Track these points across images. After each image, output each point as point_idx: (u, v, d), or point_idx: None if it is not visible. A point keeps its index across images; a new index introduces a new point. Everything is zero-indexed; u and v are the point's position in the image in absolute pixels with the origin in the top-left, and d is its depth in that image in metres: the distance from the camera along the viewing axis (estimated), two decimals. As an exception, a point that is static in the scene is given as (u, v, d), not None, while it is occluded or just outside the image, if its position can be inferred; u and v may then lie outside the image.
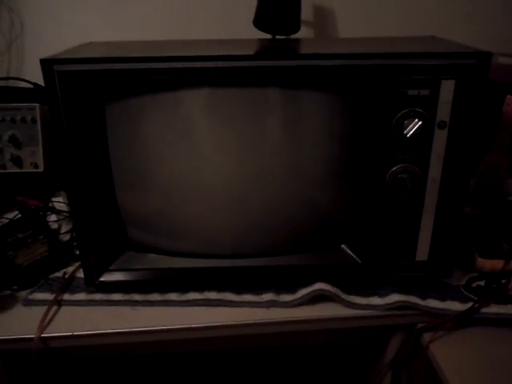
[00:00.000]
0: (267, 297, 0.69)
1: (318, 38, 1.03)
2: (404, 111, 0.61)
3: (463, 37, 0.72)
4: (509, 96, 0.81)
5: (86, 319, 0.67)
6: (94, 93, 0.61)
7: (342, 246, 0.71)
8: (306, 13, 1.00)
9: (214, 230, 0.70)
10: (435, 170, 0.64)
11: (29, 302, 0.70)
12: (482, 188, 0.87)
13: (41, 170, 0.85)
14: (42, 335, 0.65)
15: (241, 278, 0.71)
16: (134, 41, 0.78)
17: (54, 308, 0.69)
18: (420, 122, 0.60)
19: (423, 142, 0.62)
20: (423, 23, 1.01)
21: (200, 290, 0.71)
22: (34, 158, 0.85)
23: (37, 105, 0.83)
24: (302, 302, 0.69)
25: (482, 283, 0.72)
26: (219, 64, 0.60)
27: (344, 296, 0.69)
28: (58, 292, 0.70)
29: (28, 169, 0.86)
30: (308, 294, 0.69)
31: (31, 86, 0.93)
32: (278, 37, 0.94)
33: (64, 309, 0.69)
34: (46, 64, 0.58)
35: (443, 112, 0.61)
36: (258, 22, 0.90)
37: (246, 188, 0.67)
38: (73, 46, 0.70)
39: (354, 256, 0.70)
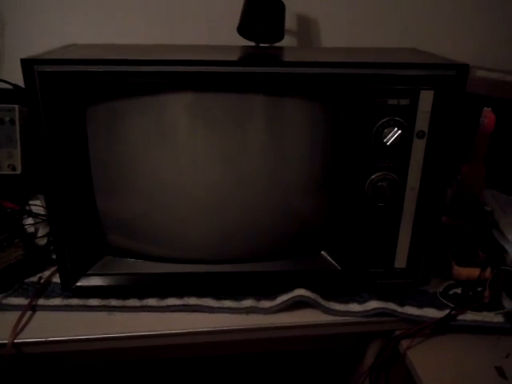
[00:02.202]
0: (247, 303, 0.69)
1: (301, 47, 1.04)
2: (384, 120, 0.62)
3: (443, 50, 0.74)
4: (486, 108, 0.83)
5: (61, 325, 0.66)
6: (75, 95, 0.60)
7: (322, 252, 0.71)
8: (290, 22, 1.01)
9: (194, 235, 0.70)
10: (414, 179, 0.65)
11: (2, 307, 0.68)
12: (459, 198, 0.88)
13: (18, 172, 0.84)
14: (15, 341, 0.63)
15: (221, 283, 0.71)
16: (119, 44, 0.78)
17: (29, 313, 0.67)
18: (399, 131, 0.62)
19: (402, 151, 0.63)
20: (405, 35, 1.04)
21: (179, 295, 0.70)
22: (12, 160, 0.84)
23: (16, 106, 0.82)
24: (282, 309, 0.69)
25: (459, 291, 0.73)
26: (202, 69, 0.60)
27: (323, 302, 0.69)
28: (32, 297, 0.69)
29: (5, 171, 0.84)
30: (288, 300, 0.69)
31: (10, 86, 0.91)
32: (261, 45, 0.94)
33: (39, 314, 0.68)
34: (27, 64, 0.57)
35: (422, 121, 0.62)
36: (243, 30, 0.91)
37: (227, 194, 0.67)
38: (55, 47, 0.70)
39: (334, 263, 0.71)
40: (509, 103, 0.94)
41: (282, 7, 0.91)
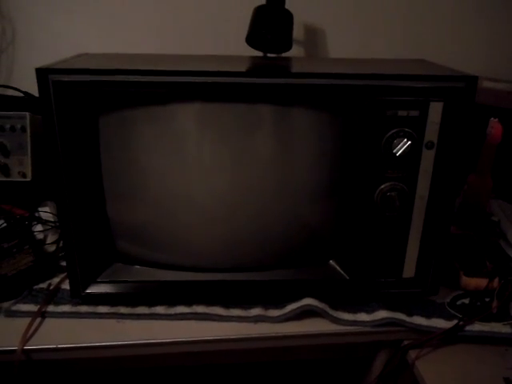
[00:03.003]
0: (255, 311, 0.69)
1: (309, 57, 1.05)
2: (394, 131, 0.62)
3: (449, 60, 0.75)
4: (492, 119, 0.84)
5: (70, 332, 0.66)
6: (88, 104, 0.61)
7: (331, 261, 0.71)
8: (298, 32, 1.02)
9: (203, 244, 0.70)
10: (423, 189, 0.65)
11: (12, 314, 0.68)
12: (466, 208, 0.88)
13: (28, 179, 0.84)
14: (25, 347, 0.63)
15: (229, 292, 0.71)
16: (129, 53, 0.79)
17: (38, 320, 0.67)
18: (409, 142, 0.62)
19: (412, 161, 0.64)
20: (411, 46, 1.04)
21: (188, 303, 0.70)
22: (22, 167, 0.84)
23: (27, 113, 0.82)
24: (290, 318, 0.69)
25: (467, 301, 0.73)
26: (211, 79, 0.60)
27: (331, 312, 0.69)
28: (42, 303, 0.69)
29: (15, 177, 0.84)
30: (296, 309, 0.69)
31: (20, 94, 0.92)
32: (269, 55, 0.95)
33: (48, 321, 0.68)
34: (42, 73, 0.58)
35: (431, 132, 0.62)
36: (251, 40, 0.91)
37: (235, 202, 0.68)
38: (67, 57, 0.71)
39: (342, 272, 0.71)
40: (515, 114, 0.94)
41: (290, 17, 0.92)
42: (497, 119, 0.83)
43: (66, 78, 0.59)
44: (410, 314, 0.70)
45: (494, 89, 0.96)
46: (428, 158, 0.64)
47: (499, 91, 0.96)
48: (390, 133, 0.62)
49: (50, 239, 0.83)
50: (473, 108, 0.62)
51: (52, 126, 0.60)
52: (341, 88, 0.61)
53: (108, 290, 0.69)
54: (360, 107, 0.62)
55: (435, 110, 0.61)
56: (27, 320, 0.66)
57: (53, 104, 0.59)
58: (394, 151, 0.62)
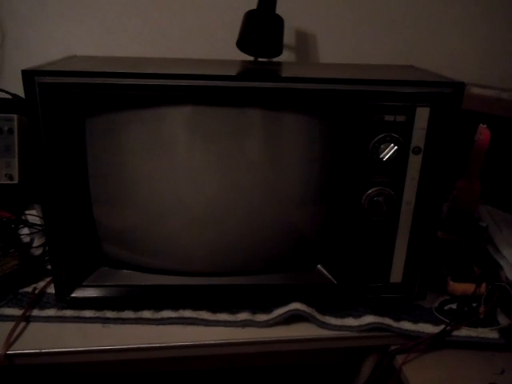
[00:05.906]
0: (243, 316, 0.69)
1: (299, 62, 1.06)
2: (380, 136, 0.62)
3: (438, 67, 0.75)
4: (481, 125, 0.84)
5: (55, 336, 0.66)
6: (74, 106, 0.61)
7: (318, 266, 0.71)
8: (289, 37, 1.02)
9: (190, 248, 0.70)
10: (410, 194, 0.65)
11: (-4, 318, 0.67)
12: (454, 213, 0.89)
13: (15, 181, 0.84)
14: (8, 352, 0.62)
15: (216, 296, 0.71)
16: (119, 56, 0.79)
17: (22, 324, 0.67)
18: (396, 147, 0.62)
19: (399, 166, 0.64)
20: (401, 52, 1.05)
21: (175, 308, 0.70)
22: (9, 170, 0.84)
23: (15, 116, 0.82)
24: (278, 322, 0.69)
25: (454, 306, 0.74)
26: (201, 83, 0.60)
27: (319, 316, 0.69)
28: (26, 307, 0.68)
29: (2, 180, 0.84)
30: (283, 313, 0.69)
31: (9, 96, 0.92)
32: (260, 59, 0.95)
33: (32, 325, 0.67)
34: (28, 75, 0.58)
35: (418, 138, 0.63)
36: (242, 44, 0.91)
37: (223, 207, 0.67)
38: (56, 59, 0.70)
39: (330, 277, 0.71)
40: (503, 120, 0.95)
41: (281, 22, 0.92)
42: (485, 125, 0.84)
43: (52, 80, 0.58)
44: (397, 319, 0.70)
45: (483, 95, 0.97)
46: (415, 163, 0.64)
47: (488, 97, 0.97)
48: (377, 138, 0.62)
49: (36, 242, 0.82)
50: (459, 114, 0.62)
51: (38, 129, 0.60)
52: (328, 93, 0.61)
53: (94, 294, 0.69)
54: (348, 112, 0.62)
55: (422, 115, 0.62)
56: (11, 324, 0.66)
57: (39, 106, 0.59)
58: (381, 156, 0.63)
